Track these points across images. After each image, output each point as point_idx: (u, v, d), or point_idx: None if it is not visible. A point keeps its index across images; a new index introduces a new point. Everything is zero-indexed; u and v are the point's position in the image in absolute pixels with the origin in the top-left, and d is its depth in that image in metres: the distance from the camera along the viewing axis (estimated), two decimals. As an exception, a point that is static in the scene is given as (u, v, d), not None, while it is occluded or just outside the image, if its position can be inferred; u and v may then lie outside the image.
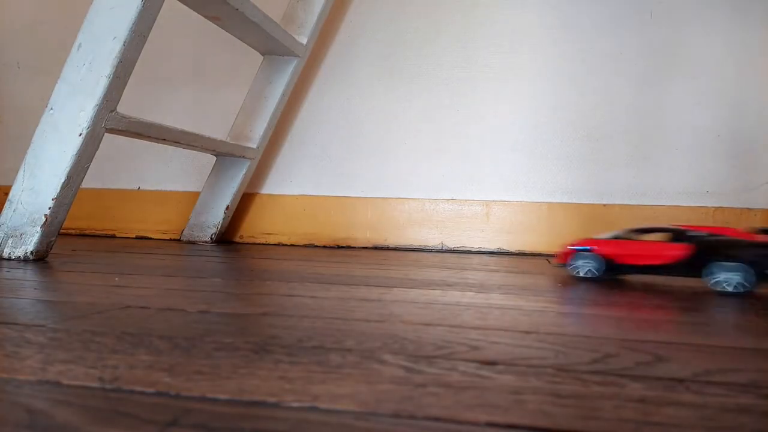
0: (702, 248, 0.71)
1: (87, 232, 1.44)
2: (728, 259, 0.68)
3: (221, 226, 1.28)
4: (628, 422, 0.26)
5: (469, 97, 1.28)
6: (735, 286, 0.68)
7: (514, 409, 0.27)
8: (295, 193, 1.36)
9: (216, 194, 1.28)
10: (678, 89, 1.21)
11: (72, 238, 1.32)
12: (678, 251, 0.72)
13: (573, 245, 0.79)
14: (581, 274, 0.77)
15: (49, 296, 0.55)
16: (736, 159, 1.19)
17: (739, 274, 0.68)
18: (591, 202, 1.23)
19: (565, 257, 0.79)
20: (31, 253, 0.82)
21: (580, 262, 0.78)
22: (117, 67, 0.81)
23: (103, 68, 0.81)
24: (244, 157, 1.23)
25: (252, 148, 1.24)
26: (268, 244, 1.33)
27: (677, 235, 0.74)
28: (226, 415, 0.25)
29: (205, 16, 1.03)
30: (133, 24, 0.80)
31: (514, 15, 1.27)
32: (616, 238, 0.77)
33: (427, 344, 0.39)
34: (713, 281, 0.69)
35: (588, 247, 0.78)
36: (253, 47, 1.21)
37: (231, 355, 0.35)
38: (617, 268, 0.76)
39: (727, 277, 0.68)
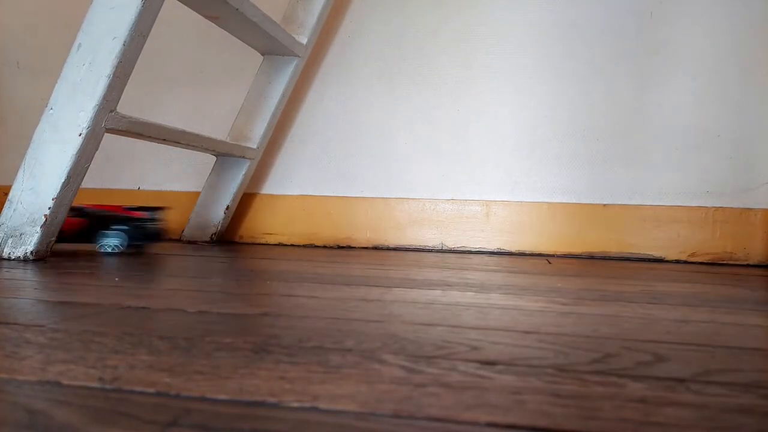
0: (93, 221, 0.95)
1: (87, 232, 1.44)
2: (111, 229, 0.96)
3: (221, 226, 1.28)
4: (628, 422, 0.26)
5: (469, 97, 1.28)
6: (113, 248, 0.95)
7: (514, 409, 0.27)
8: (295, 193, 1.36)
9: (216, 194, 1.28)
10: (678, 89, 1.21)
11: (72, 238, 1.32)
12: (76, 223, 0.94)
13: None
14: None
15: (49, 296, 0.55)
16: (736, 159, 1.19)
17: (117, 239, 0.96)
18: (591, 202, 1.23)
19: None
20: (31, 253, 0.81)
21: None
22: (117, 67, 0.81)
23: (103, 68, 0.81)
24: (244, 157, 1.23)
25: (252, 148, 1.24)
26: (268, 244, 1.33)
27: (77, 211, 0.95)
28: (226, 415, 0.25)
29: (205, 16, 1.03)
30: (133, 24, 0.80)
31: (513, 15, 1.27)
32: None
33: (427, 344, 0.39)
34: (99, 245, 0.96)
35: None
36: (253, 47, 1.20)
37: (231, 355, 0.35)
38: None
39: (108, 242, 0.96)
